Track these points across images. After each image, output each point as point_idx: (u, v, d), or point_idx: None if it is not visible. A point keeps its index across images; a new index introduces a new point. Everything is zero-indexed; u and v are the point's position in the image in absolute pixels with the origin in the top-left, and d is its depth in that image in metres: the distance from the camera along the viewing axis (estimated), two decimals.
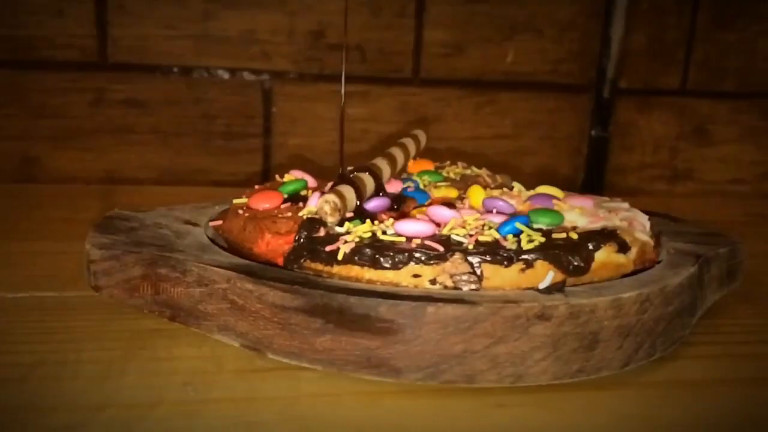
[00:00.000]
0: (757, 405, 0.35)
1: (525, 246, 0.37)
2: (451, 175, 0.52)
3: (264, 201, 0.43)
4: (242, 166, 0.85)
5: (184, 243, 0.40)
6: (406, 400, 0.34)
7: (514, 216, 0.40)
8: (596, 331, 0.35)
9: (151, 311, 0.38)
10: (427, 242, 0.37)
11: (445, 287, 0.36)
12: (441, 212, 0.41)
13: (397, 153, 0.50)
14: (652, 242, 0.42)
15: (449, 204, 0.42)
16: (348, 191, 0.42)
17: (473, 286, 0.36)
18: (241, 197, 0.44)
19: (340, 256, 0.37)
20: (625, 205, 0.46)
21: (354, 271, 0.37)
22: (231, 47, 0.84)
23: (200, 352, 0.37)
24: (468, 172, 0.53)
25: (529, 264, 0.36)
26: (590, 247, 0.38)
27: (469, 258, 0.36)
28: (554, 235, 0.39)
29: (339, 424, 0.32)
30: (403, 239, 0.38)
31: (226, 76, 0.84)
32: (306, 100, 0.87)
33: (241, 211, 0.42)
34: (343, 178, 0.43)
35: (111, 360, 0.36)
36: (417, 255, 0.36)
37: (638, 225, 0.44)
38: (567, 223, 0.42)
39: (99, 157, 0.84)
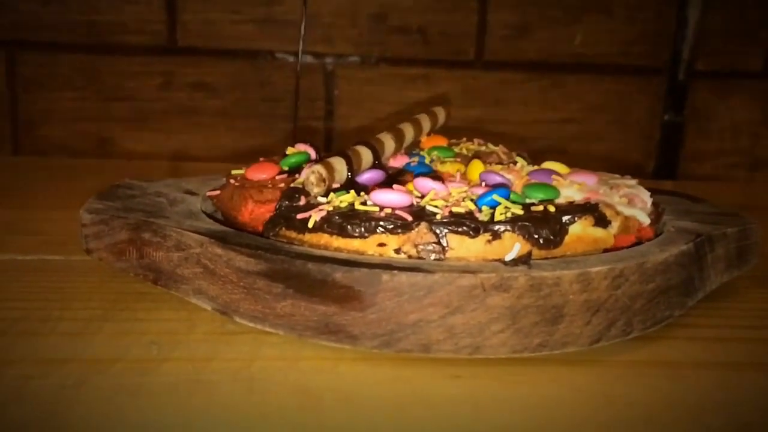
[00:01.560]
0: (732, 390, 0.34)
1: (497, 218, 0.37)
2: (464, 151, 0.51)
3: (260, 172, 0.44)
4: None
5: (173, 210, 0.41)
6: (362, 367, 0.34)
7: (494, 188, 0.39)
8: (560, 305, 0.34)
9: (136, 274, 0.40)
10: (397, 212, 0.37)
11: (410, 257, 0.36)
12: (426, 184, 0.41)
13: (407, 128, 0.50)
14: (643, 218, 0.41)
15: (437, 177, 0.42)
16: (339, 163, 0.42)
17: (437, 256, 0.36)
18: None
19: (310, 224, 0.37)
20: (632, 182, 0.45)
21: (324, 239, 0.37)
22: (294, 31, 0.85)
23: (176, 315, 0.38)
24: (483, 148, 0.52)
25: (496, 235, 0.36)
26: (564, 220, 0.37)
27: (435, 228, 0.36)
28: (533, 209, 0.38)
29: (286, 388, 0.32)
30: (377, 209, 0.38)
31: (289, 59, 0.86)
32: (368, 84, 0.87)
33: (233, 181, 0.43)
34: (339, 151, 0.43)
35: (90, 318, 0.37)
36: (383, 224, 0.36)
37: (639, 202, 0.43)
38: (563, 199, 0.41)
39: (168, 138, 0.87)
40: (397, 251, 0.36)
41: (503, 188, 0.39)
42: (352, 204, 0.38)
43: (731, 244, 0.43)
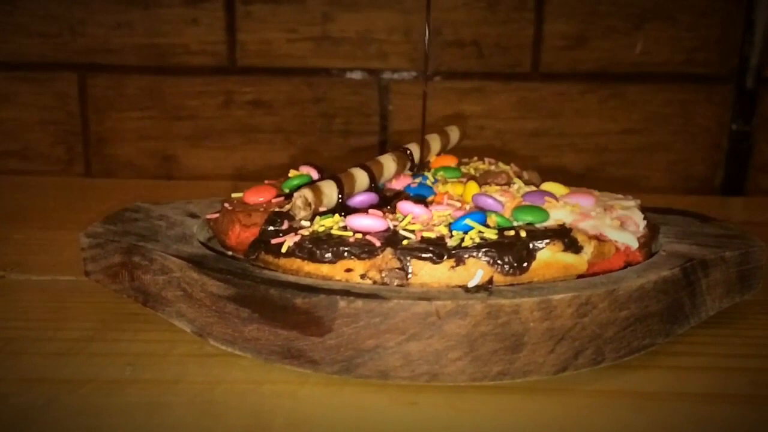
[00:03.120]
0: (700, 422, 0.33)
1: (465, 243, 0.37)
2: (472, 171, 0.51)
3: (258, 195, 0.45)
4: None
5: (168, 234, 0.43)
6: (321, 392, 0.35)
7: (469, 212, 0.39)
8: (520, 333, 0.34)
9: (129, 296, 0.41)
10: (368, 237, 0.37)
11: (374, 282, 0.36)
12: (409, 208, 0.41)
13: (414, 148, 0.50)
14: (631, 241, 0.40)
15: (422, 201, 0.42)
16: (328, 187, 0.43)
17: (399, 282, 0.36)
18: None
19: (283, 249, 0.38)
20: (631, 203, 0.44)
21: (296, 264, 0.38)
22: (349, 47, 0.86)
23: (160, 336, 0.39)
24: (492, 168, 0.52)
25: (460, 261, 0.36)
26: (531, 245, 0.37)
27: (399, 254, 0.36)
28: (506, 233, 0.38)
29: (241, 412, 0.33)
30: (350, 234, 0.38)
31: (344, 75, 0.87)
32: (420, 98, 0.87)
33: (227, 205, 0.44)
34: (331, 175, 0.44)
35: (78, 339, 0.39)
36: (349, 249, 0.37)
37: (631, 224, 0.42)
38: (552, 221, 0.41)
39: (228, 155, 0.90)
40: (363, 276, 0.36)
41: (478, 213, 0.39)
42: (329, 229, 0.39)
43: (731, 268, 0.42)
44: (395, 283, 0.36)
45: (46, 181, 0.86)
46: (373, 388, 0.35)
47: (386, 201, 0.45)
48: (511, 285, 0.36)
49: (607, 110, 0.87)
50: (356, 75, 0.87)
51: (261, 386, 0.35)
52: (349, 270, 0.37)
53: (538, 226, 0.39)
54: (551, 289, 0.35)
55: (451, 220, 0.39)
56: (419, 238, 0.37)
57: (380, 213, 0.40)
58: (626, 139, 0.88)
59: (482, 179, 0.49)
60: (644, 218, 0.42)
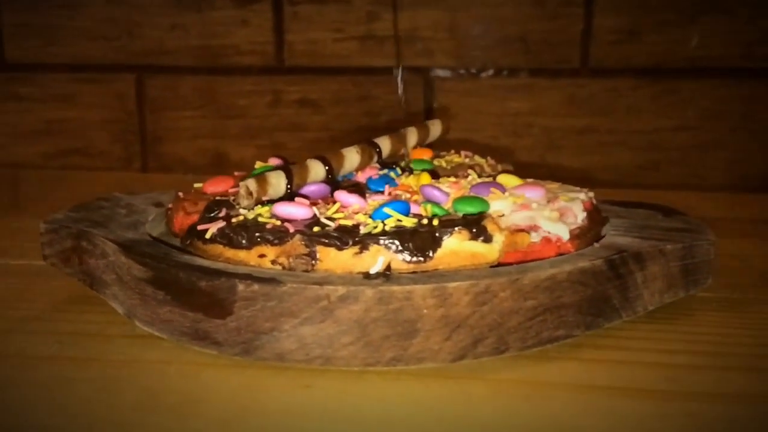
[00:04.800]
0: (594, 414, 0.32)
1: (374, 231, 0.37)
2: (443, 164, 0.51)
3: (216, 185, 0.46)
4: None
5: (122, 221, 0.45)
6: (223, 373, 0.35)
7: (390, 201, 0.39)
8: (413, 320, 0.34)
9: (79, 279, 0.43)
10: (285, 224, 0.38)
11: (283, 267, 0.37)
12: (344, 197, 0.41)
13: (383, 142, 0.50)
14: (562, 233, 0.39)
15: (361, 191, 0.42)
16: (276, 177, 0.43)
17: (305, 267, 0.37)
18: None
19: (207, 236, 0.39)
20: (581, 195, 0.43)
21: (219, 250, 0.39)
22: (394, 46, 0.87)
23: (97, 318, 0.41)
24: (467, 161, 0.52)
25: (364, 248, 0.36)
26: (436, 234, 0.37)
27: (307, 240, 0.37)
28: (422, 222, 0.38)
29: (141, 389, 0.34)
30: (274, 222, 0.39)
31: (389, 74, 0.87)
32: (466, 95, 0.87)
33: (180, 194, 0.46)
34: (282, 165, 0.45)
35: (25, 318, 0.41)
36: (263, 236, 0.38)
37: (571, 216, 0.41)
38: (492, 212, 0.40)
39: (276, 152, 0.92)
40: (273, 262, 0.37)
41: (402, 202, 0.39)
42: (257, 216, 0.40)
43: (672, 262, 0.40)
44: (301, 269, 0.36)
45: (106, 176, 0.89)
46: (271, 370, 0.35)
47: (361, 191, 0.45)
48: (414, 272, 0.36)
49: (661, 107, 0.84)
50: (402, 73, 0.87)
51: (169, 366, 0.36)
52: (262, 255, 0.37)
53: (455, 216, 0.39)
54: (448, 276, 0.35)
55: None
56: (336, 226, 0.38)
57: (307, 202, 0.41)
58: (681, 136, 0.85)
59: (451, 172, 0.49)
60: (588, 210, 0.41)
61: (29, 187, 0.86)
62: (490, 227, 0.37)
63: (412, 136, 0.53)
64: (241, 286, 0.35)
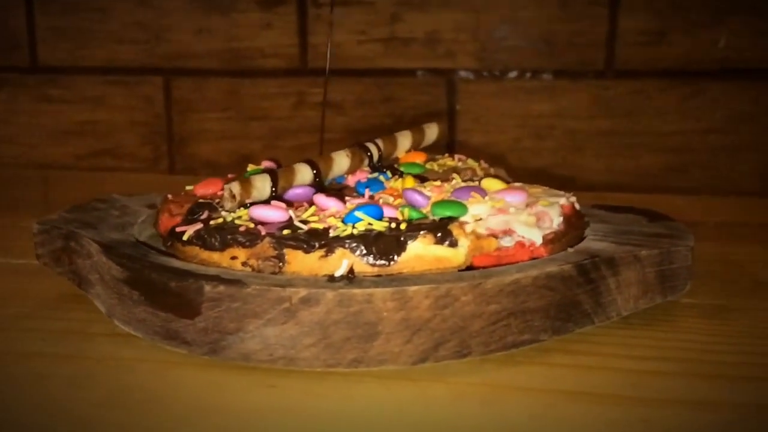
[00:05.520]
0: (551, 418, 0.32)
1: (344, 234, 0.37)
2: (435, 167, 0.51)
3: (206, 187, 0.47)
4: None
5: (112, 222, 0.46)
6: (191, 372, 0.36)
7: (363, 205, 0.40)
8: (374, 322, 0.35)
9: (68, 278, 0.45)
10: (259, 227, 0.39)
11: (253, 269, 0.38)
12: (322, 201, 0.42)
13: (372, 146, 0.51)
14: (535, 237, 0.39)
15: (340, 195, 0.43)
16: (261, 180, 0.44)
17: (272, 270, 0.37)
18: None
19: (185, 237, 0.40)
20: (561, 200, 0.43)
21: (195, 251, 0.40)
22: (417, 47, 0.87)
23: (83, 316, 0.42)
24: (459, 164, 0.52)
25: (330, 251, 0.37)
26: (401, 238, 0.37)
27: (275, 243, 0.37)
28: (392, 226, 0.38)
29: (109, 386, 0.35)
30: (249, 224, 0.40)
31: (412, 75, 0.88)
32: (489, 97, 0.87)
33: (169, 196, 0.47)
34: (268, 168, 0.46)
35: (16, 316, 0.43)
36: (235, 238, 0.38)
37: (547, 220, 0.41)
38: (470, 216, 0.41)
39: (300, 155, 0.92)
40: (244, 264, 0.38)
41: (374, 206, 0.40)
42: (235, 219, 0.41)
43: (648, 268, 0.40)
44: (269, 271, 0.37)
45: (133, 177, 0.91)
46: (237, 370, 0.36)
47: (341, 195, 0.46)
48: (379, 276, 0.36)
49: (689, 109, 0.83)
50: (424, 75, 0.87)
51: (141, 364, 0.37)
52: (234, 257, 0.38)
53: (426, 221, 0.39)
54: (410, 280, 0.35)
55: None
56: (307, 229, 0.38)
57: (283, 205, 0.41)
58: (709, 139, 0.83)
59: (445, 175, 0.50)
60: (567, 214, 0.41)
61: (57, 187, 0.88)
62: (455, 232, 0.37)
63: (405, 140, 0.53)
64: (207, 287, 0.35)
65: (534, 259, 0.39)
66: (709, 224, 0.64)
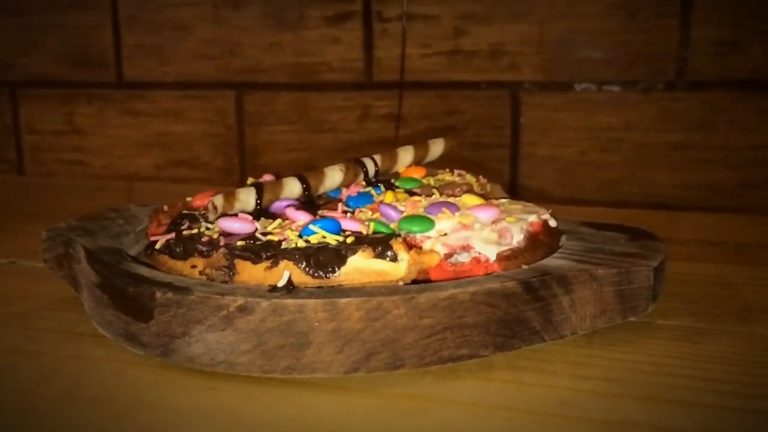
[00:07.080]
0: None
1: (291, 246, 0.39)
2: (432, 182, 0.52)
3: (203, 199, 0.49)
4: (489, 176, 0.89)
5: (112, 231, 0.49)
6: (144, 373, 0.39)
7: (321, 219, 0.41)
8: (306, 332, 0.36)
9: (68, 282, 0.48)
10: (221, 238, 0.41)
11: (207, 278, 0.40)
12: (291, 214, 0.44)
13: (368, 162, 0.52)
14: (490, 253, 0.40)
15: (308, 209, 0.44)
16: (245, 193, 0.46)
17: (223, 278, 0.39)
18: None
19: (157, 246, 0.42)
20: (530, 217, 0.43)
21: (164, 259, 0.42)
22: (481, 60, 0.88)
23: (73, 317, 0.45)
24: (457, 179, 0.52)
25: (274, 263, 0.38)
26: (343, 251, 0.38)
27: (228, 254, 0.39)
28: (339, 240, 0.39)
29: (65, 382, 0.38)
30: (211, 234, 0.42)
31: (476, 88, 0.88)
32: (554, 110, 0.87)
33: (165, 207, 0.49)
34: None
35: (15, 314, 0.46)
36: (195, 247, 0.40)
37: (508, 236, 0.41)
38: (435, 231, 0.42)
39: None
40: (201, 272, 0.40)
41: (331, 220, 0.41)
42: (206, 230, 0.43)
43: (605, 287, 0.40)
44: (220, 279, 0.39)
45: (207, 188, 0.95)
46: (184, 372, 0.38)
47: (315, 208, 0.47)
48: (320, 287, 0.38)
49: (766, 122, 0.80)
50: (488, 87, 0.88)
51: (105, 363, 0.40)
52: (194, 266, 0.40)
53: (372, 235, 0.40)
54: (343, 292, 0.36)
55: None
56: (263, 241, 0.40)
57: (249, 218, 0.43)
58: None
59: (441, 190, 0.50)
60: (534, 231, 0.42)
61: (137, 196, 0.93)
62: (395, 246, 0.38)
63: (406, 155, 0.54)
64: (159, 294, 0.38)
65: (488, 274, 0.40)
66: None
